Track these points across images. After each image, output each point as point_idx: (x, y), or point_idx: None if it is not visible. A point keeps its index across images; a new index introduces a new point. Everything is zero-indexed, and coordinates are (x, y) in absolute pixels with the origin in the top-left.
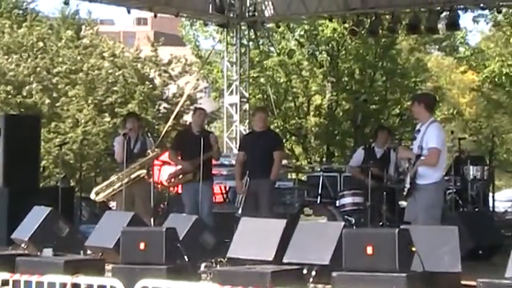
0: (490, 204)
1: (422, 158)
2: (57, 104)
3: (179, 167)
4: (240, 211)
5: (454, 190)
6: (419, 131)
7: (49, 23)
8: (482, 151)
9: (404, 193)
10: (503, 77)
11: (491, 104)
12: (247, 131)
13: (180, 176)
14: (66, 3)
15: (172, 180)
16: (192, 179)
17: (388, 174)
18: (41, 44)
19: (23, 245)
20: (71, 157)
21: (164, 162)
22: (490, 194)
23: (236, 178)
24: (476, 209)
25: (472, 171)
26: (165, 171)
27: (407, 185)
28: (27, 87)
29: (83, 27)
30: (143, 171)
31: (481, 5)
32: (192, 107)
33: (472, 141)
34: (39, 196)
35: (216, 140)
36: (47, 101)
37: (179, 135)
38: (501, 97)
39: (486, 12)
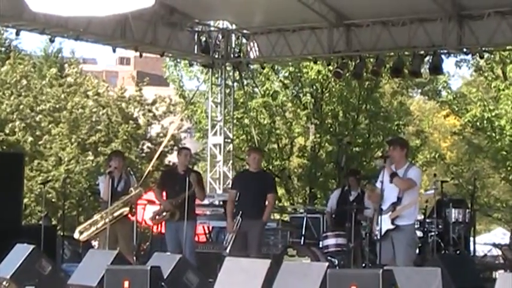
0: (471, 247)
1: (403, 201)
2: (40, 142)
3: None
4: (228, 250)
5: (436, 232)
6: (395, 173)
7: (32, 62)
8: (463, 194)
9: (380, 235)
10: (485, 122)
11: (472, 148)
12: (242, 169)
13: (163, 214)
14: (52, 40)
15: (157, 217)
16: (170, 218)
17: (364, 216)
18: (24, 81)
19: (4, 283)
20: (53, 195)
21: (148, 202)
22: (471, 238)
23: (228, 216)
24: (458, 252)
25: (454, 214)
26: (148, 210)
27: (389, 226)
28: (10, 125)
29: (66, 65)
30: (126, 209)
31: (464, 50)
32: (175, 148)
33: (453, 185)
34: (22, 234)
35: (200, 179)
36: (30, 138)
37: (164, 174)
38: (482, 141)
39: (469, 57)
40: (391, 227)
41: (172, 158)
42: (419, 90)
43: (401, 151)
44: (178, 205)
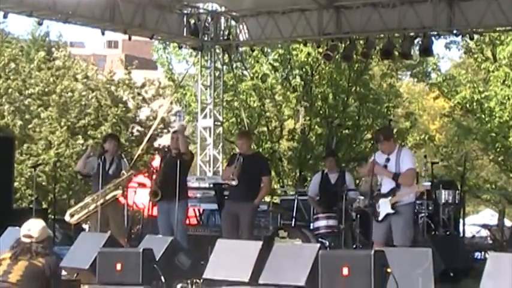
0: (460, 228)
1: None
2: (30, 126)
3: None
4: (235, 182)
5: (427, 214)
6: (388, 159)
7: (20, 45)
8: (452, 176)
9: (380, 218)
10: (474, 104)
11: (461, 130)
12: (238, 152)
13: None
14: (40, 23)
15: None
16: (152, 198)
17: (350, 197)
18: (12, 65)
19: None
20: (43, 179)
21: (139, 185)
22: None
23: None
24: (448, 233)
25: (444, 195)
26: (139, 193)
27: (389, 211)
28: None
29: (53, 49)
30: (118, 192)
31: (454, 31)
32: (165, 131)
33: (443, 166)
34: (13, 217)
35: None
36: (19, 122)
37: (162, 159)
38: (471, 123)
39: (458, 39)
40: (391, 211)
41: (162, 141)
42: (409, 73)
43: (388, 142)
44: (159, 184)
